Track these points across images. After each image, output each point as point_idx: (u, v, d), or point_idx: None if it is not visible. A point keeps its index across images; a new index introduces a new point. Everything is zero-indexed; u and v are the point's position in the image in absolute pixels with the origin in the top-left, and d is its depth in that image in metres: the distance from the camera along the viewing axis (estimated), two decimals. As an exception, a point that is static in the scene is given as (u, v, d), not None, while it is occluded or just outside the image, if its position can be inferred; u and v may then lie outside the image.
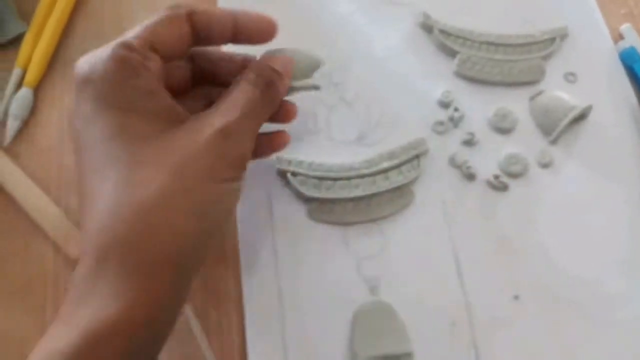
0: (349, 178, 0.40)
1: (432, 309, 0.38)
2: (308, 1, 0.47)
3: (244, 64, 0.35)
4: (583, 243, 0.40)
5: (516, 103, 0.44)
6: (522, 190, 0.41)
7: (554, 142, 0.42)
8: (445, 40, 0.45)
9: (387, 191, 0.40)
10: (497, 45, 0.45)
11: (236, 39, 0.33)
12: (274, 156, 0.40)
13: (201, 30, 0.32)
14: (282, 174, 0.40)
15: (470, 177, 0.41)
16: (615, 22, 0.47)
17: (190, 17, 0.31)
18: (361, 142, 0.42)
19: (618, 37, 0.47)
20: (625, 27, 0.47)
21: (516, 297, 0.38)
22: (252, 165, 0.40)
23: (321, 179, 0.40)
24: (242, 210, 0.39)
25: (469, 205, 0.40)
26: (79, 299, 0.26)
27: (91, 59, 0.29)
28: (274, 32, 0.33)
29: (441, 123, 0.43)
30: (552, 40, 0.46)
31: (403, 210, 0.40)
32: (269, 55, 0.34)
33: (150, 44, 0.30)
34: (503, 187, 0.41)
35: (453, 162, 0.42)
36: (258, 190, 0.40)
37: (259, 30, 0.33)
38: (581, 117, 0.43)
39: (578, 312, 0.38)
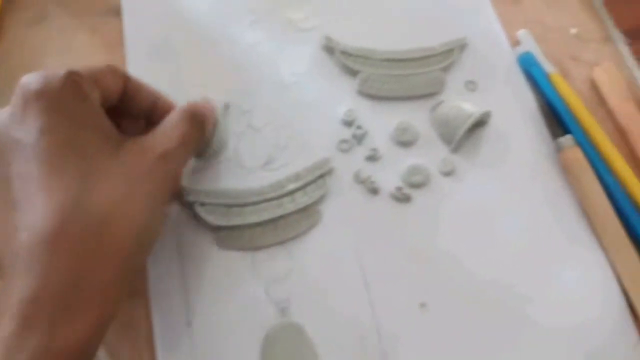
0: (256, 203, 0.41)
1: (342, 325, 0.39)
2: (215, 36, 0.48)
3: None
4: (489, 247, 0.41)
5: (417, 116, 0.45)
6: (425, 200, 0.42)
7: (455, 150, 0.44)
8: (346, 61, 0.46)
9: (294, 212, 0.41)
10: (397, 61, 0.47)
11: (151, 116, 0.38)
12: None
13: (129, 93, 0.35)
14: (188, 205, 0.41)
15: (374, 191, 0.42)
16: (513, 29, 0.49)
17: (125, 78, 0.35)
18: (269, 166, 0.43)
19: (516, 43, 0.48)
20: (521, 33, 0.48)
21: (422, 305, 0.39)
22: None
23: (230, 206, 0.41)
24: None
25: (374, 218, 0.42)
26: None
27: (42, 76, 0.31)
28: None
29: (345, 141, 0.44)
30: (451, 51, 0.47)
31: (310, 230, 0.41)
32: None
33: (94, 80, 0.33)
34: (406, 199, 0.42)
35: (357, 179, 0.43)
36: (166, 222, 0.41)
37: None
38: (481, 123, 0.45)
39: (489, 315, 0.39)
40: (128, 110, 0.37)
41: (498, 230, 0.42)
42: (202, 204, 0.41)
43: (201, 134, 0.37)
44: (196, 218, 0.41)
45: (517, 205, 0.43)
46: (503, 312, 0.39)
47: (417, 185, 0.43)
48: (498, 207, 0.42)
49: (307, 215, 0.42)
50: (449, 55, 0.47)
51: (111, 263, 0.30)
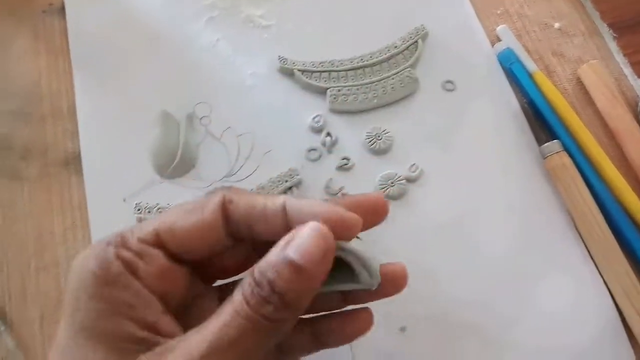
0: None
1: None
2: (168, 35, 0.44)
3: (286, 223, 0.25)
4: (471, 264, 0.38)
5: (392, 122, 0.41)
6: (402, 213, 0.39)
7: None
8: (309, 81, 0.42)
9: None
10: (363, 67, 0.43)
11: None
12: (133, 202, 0.37)
13: (238, 224, 0.25)
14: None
15: (347, 204, 0.39)
16: (491, 23, 0.46)
17: (226, 206, 0.25)
18: (230, 179, 0.39)
19: (495, 39, 0.45)
20: (501, 29, 0.45)
21: (402, 329, 0.36)
22: (110, 216, 0.37)
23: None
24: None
25: (347, 234, 0.38)
26: None
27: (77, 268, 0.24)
28: (351, 229, 0.25)
29: (314, 149, 0.40)
30: (414, 44, 0.44)
31: (277, 249, 0.37)
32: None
33: (157, 240, 0.25)
34: (382, 212, 0.38)
35: (329, 190, 0.39)
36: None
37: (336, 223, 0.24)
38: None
39: (470, 336, 0.36)
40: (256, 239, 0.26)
41: (480, 244, 0.38)
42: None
43: (267, 331, 0.23)
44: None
45: (501, 216, 0.39)
46: (487, 336, 0.36)
47: (393, 197, 0.39)
48: (480, 219, 0.39)
49: (273, 232, 0.37)
50: (413, 49, 0.43)
51: None
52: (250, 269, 0.23)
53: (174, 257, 0.25)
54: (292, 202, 0.25)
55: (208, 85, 0.42)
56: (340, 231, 0.24)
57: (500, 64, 0.44)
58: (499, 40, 0.45)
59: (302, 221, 0.23)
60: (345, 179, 0.40)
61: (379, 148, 0.40)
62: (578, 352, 0.36)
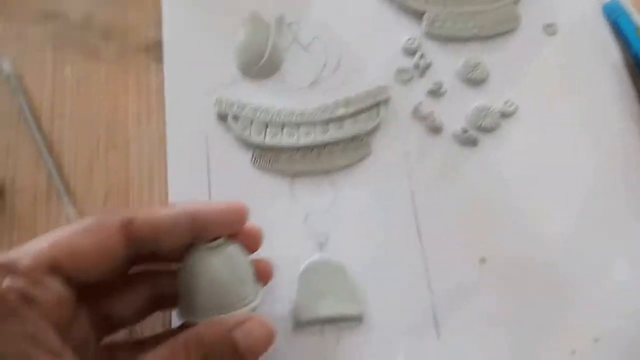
0: (298, 124, 0.36)
1: (386, 271, 0.33)
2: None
3: (193, 229, 0.25)
4: (558, 207, 0.36)
5: (489, 54, 0.39)
6: (493, 146, 0.37)
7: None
8: (406, 2, 0.40)
9: (341, 141, 0.36)
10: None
11: (197, 239, 0.25)
12: (214, 97, 0.35)
13: (144, 242, 0.24)
14: (222, 117, 0.35)
15: (436, 130, 0.37)
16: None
17: (127, 226, 0.24)
18: (315, 87, 0.37)
19: (602, -10, 0.43)
20: (609, -21, 0.43)
21: (482, 261, 0.33)
22: (187, 106, 0.35)
23: (267, 124, 0.35)
24: (175, 158, 0.34)
25: (433, 160, 0.36)
26: None
27: None
28: (244, 221, 0.26)
29: (405, 71, 0.38)
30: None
31: (358, 163, 0.35)
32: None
33: (52, 263, 0.22)
34: (471, 142, 0.36)
35: (417, 114, 0.37)
36: (193, 135, 0.35)
37: (225, 224, 0.26)
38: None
39: (549, 276, 0.34)
40: (160, 255, 0.25)
41: (569, 189, 0.36)
42: (235, 117, 0.35)
43: None
44: (230, 132, 0.35)
45: (593, 166, 0.37)
46: (565, 278, 0.34)
47: (485, 129, 0.37)
48: (569, 165, 0.37)
49: (356, 146, 0.36)
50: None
51: None
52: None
53: (70, 282, 0.23)
54: (194, 208, 0.24)
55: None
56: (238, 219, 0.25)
57: (606, 15, 0.42)
58: (605, -9, 0.42)
59: (209, 226, 0.24)
60: (436, 105, 0.38)
61: (475, 78, 0.38)
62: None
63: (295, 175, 0.35)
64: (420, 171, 0.36)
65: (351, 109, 0.36)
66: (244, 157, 0.35)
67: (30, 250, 0.22)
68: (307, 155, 0.35)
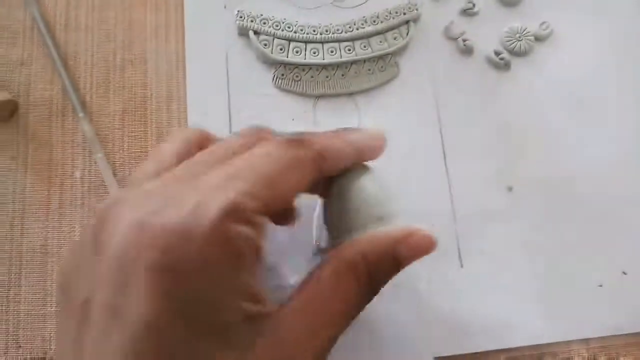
0: (322, 42, 0.34)
1: (409, 199, 0.32)
2: None
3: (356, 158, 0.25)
4: (590, 136, 0.34)
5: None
6: (526, 70, 0.35)
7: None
8: None
9: (367, 60, 0.34)
10: None
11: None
12: (235, 10, 0.33)
13: (327, 173, 0.23)
14: (243, 32, 0.34)
15: (467, 51, 0.35)
16: None
17: (319, 163, 0.22)
18: (340, 2, 0.35)
19: None
20: None
21: (510, 189, 0.32)
22: (207, 21, 0.34)
23: (290, 40, 0.34)
24: (194, 75, 0.33)
25: (463, 83, 0.34)
26: None
27: (167, 235, 0.18)
28: (383, 149, 0.26)
29: (437, -13, 0.36)
30: None
31: (385, 85, 0.34)
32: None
33: (266, 205, 0.20)
34: (504, 65, 0.34)
35: (448, 33, 0.35)
36: (213, 50, 0.34)
37: (375, 151, 0.25)
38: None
39: (576, 208, 0.33)
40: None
41: (605, 118, 0.34)
42: (257, 32, 0.33)
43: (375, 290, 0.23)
44: (251, 47, 0.33)
45: (631, 93, 0.35)
46: (596, 210, 0.33)
47: (519, 53, 0.35)
48: (609, 93, 0.35)
49: (383, 66, 0.34)
50: None
51: None
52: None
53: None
54: (355, 138, 0.24)
55: None
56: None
57: None
58: None
59: (365, 155, 0.25)
60: (468, 25, 0.35)
61: (510, -2, 0.35)
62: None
63: (318, 96, 0.33)
64: (449, 95, 0.34)
65: (379, 26, 0.34)
66: (265, 77, 0.33)
67: (242, 194, 0.19)
68: (330, 75, 0.33)
